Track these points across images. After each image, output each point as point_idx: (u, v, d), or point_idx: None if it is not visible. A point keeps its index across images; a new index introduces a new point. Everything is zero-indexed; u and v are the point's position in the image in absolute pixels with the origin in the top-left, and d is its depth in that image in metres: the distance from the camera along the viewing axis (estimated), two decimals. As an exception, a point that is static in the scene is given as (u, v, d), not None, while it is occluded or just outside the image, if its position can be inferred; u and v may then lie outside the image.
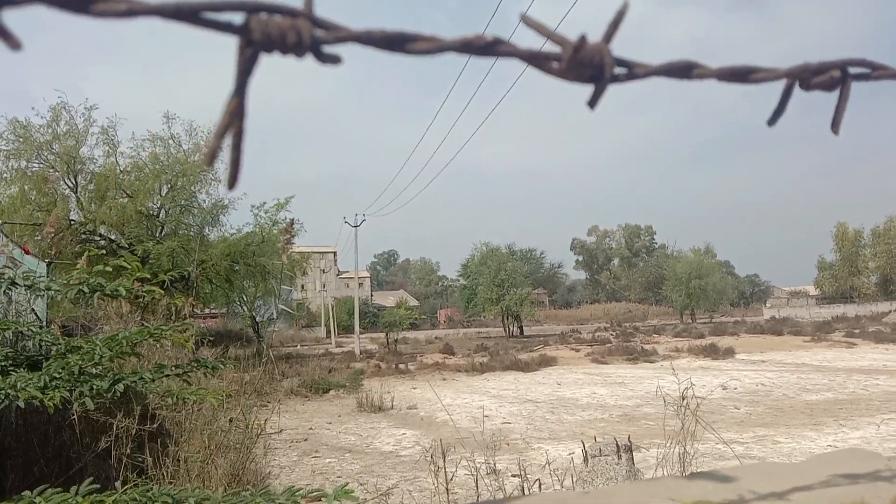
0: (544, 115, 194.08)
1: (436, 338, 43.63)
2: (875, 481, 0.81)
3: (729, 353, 25.69)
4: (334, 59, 0.46)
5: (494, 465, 5.73)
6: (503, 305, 45.46)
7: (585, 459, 7.33)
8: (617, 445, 7.16)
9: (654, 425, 10.27)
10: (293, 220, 27.64)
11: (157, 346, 6.91)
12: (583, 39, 0.46)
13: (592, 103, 0.50)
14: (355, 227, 35.79)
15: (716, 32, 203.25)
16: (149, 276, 4.08)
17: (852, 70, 0.59)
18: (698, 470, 6.11)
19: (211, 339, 13.23)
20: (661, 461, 5.53)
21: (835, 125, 0.60)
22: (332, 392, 18.21)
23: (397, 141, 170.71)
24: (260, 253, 26.41)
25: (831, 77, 0.57)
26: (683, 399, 5.02)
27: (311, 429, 12.96)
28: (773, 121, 0.59)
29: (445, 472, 5.13)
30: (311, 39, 0.44)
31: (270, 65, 0.45)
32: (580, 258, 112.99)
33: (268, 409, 13.04)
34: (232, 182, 0.45)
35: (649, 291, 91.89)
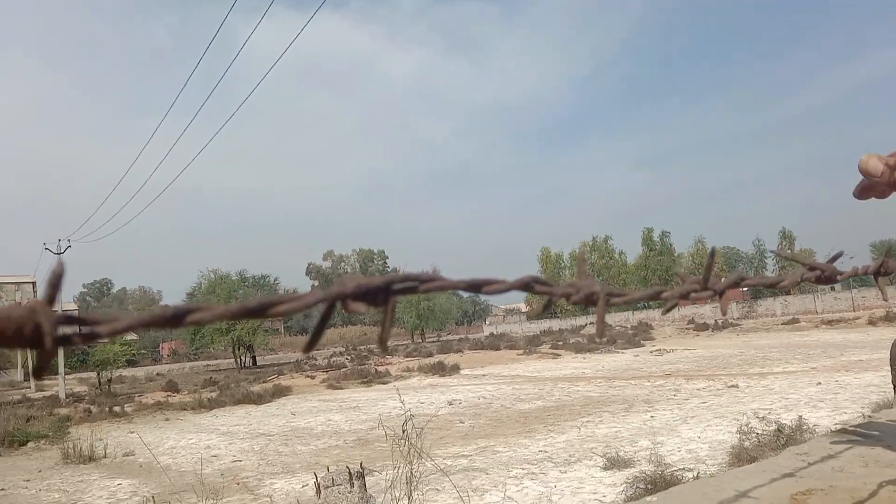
0: (272, 141, 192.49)
1: (157, 374, 40.37)
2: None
3: (455, 369, 27.39)
4: None
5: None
6: (234, 336, 43.41)
7: (318, 491, 7.23)
8: (349, 473, 7.17)
9: (386, 447, 10.50)
10: None
11: None
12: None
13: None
14: (58, 254, 31.99)
15: (439, 71, 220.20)
16: None
17: (398, 286, 0.58)
18: (427, 488, 6.33)
19: None
20: (391, 484, 5.65)
21: (381, 342, 0.57)
22: (30, 444, 15.93)
23: (109, 162, 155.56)
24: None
25: (358, 300, 0.53)
26: (404, 431, 5.38)
27: (2, 489, 11.12)
28: (308, 348, 0.56)
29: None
30: None
31: None
32: (316, 283, 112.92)
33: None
34: None
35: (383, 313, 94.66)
